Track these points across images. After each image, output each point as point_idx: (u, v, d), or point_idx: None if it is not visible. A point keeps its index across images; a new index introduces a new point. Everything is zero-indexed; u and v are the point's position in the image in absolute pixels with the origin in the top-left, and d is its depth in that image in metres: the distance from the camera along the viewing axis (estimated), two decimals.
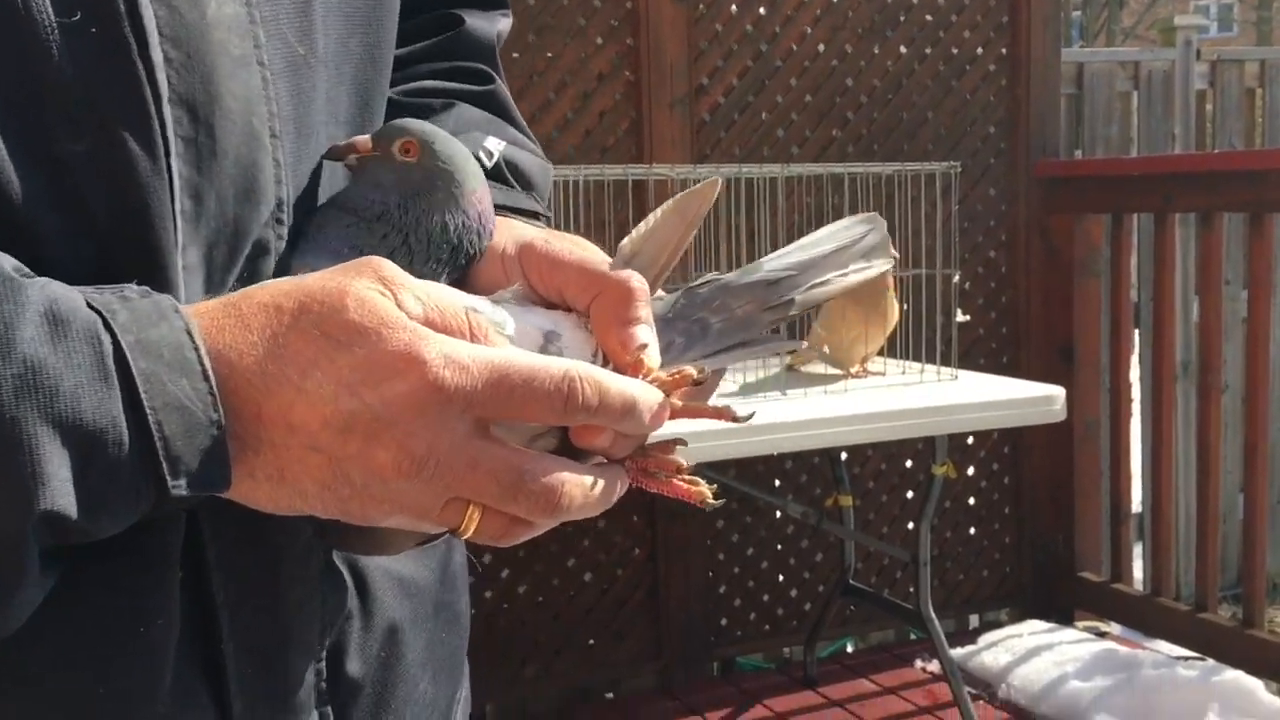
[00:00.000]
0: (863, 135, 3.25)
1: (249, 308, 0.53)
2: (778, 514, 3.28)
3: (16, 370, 0.46)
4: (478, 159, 0.74)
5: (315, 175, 0.67)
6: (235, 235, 0.60)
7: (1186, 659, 3.11)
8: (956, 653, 3.21)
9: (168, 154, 0.56)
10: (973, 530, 3.53)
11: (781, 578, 3.33)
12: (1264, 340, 3.07)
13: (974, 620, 3.63)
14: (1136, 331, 3.76)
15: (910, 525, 3.31)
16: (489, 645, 2.97)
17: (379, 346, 0.52)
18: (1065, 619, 3.46)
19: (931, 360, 2.69)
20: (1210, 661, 3.06)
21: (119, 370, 0.49)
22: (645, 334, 0.63)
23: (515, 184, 0.79)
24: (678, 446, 0.65)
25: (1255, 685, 2.92)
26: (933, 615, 2.75)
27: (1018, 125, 3.41)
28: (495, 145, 0.79)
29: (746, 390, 2.54)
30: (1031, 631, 3.34)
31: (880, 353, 2.76)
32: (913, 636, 3.39)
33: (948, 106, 3.35)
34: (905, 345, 2.81)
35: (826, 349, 2.70)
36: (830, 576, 3.29)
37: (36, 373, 0.46)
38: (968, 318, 3.40)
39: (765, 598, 3.31)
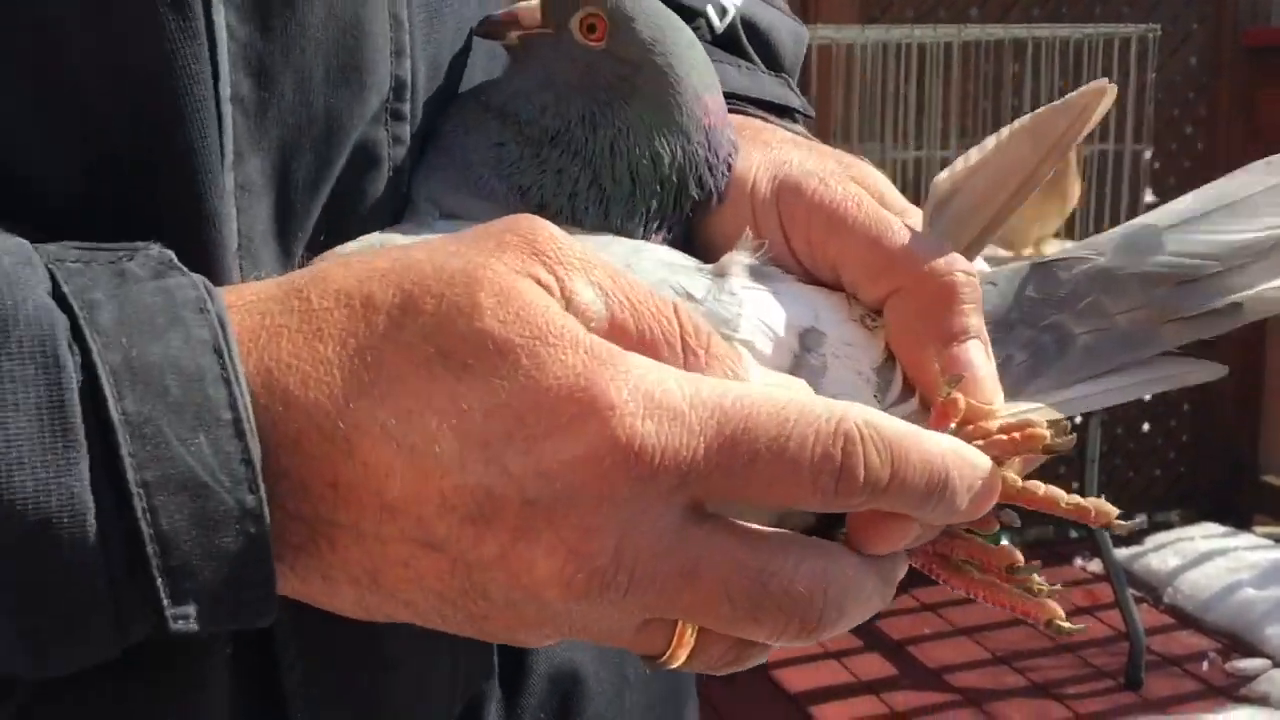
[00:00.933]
0: None
1: (322, 299, 0.34)
2: None
3: None
4: (702, 19, 0.52)
5: (458, 59, 0.47)
6: (327, 136, 0.41)
7: None
8: (1121, 553, 3.09)
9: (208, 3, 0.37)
10: (1147, 427, 3.40)
11: None
12: None
13: (1142, 519, 3.48)
14: None
15: (1078, 418, 3.18)
16: None
17: (535, 378, 0.33)
18: (1243, 524, 3.31)
19: None
20: None
21: (90, 416, 0.31)
22: (975, 356, 0.42)
23: (757, 59, 0.55)
24: (1006, 513, 0.41)
25: None
26: None
27: None
28: None
29: None
30: (1205, 535, 3.21)
31: (1056, 234, 2.60)
32: (1073, 534, 3.29)
33: None
34: (1085, 227, 2.64)
35: None
36: None
37: None
38: (1157, 200, 3.20)
39: None
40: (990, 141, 0.44)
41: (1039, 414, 0.42)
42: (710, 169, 0.45)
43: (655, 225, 0.45)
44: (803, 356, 0.42)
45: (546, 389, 0.33)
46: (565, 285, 0.35)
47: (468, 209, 0.43)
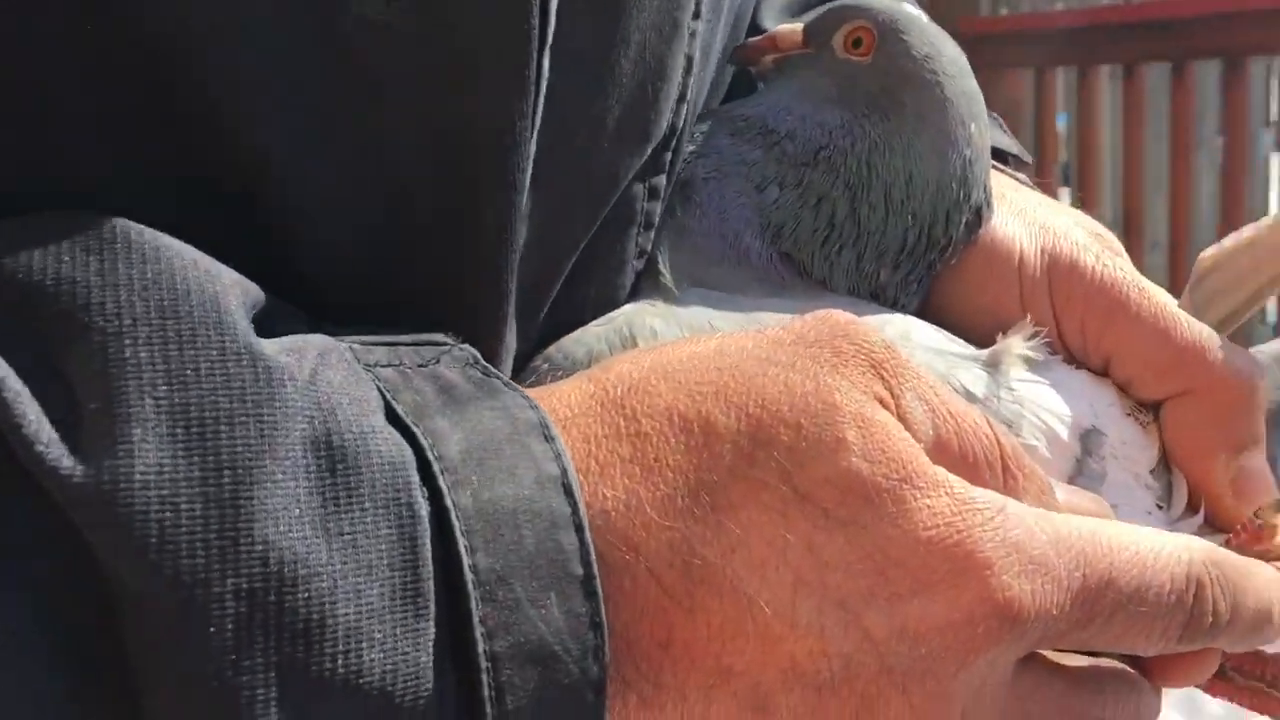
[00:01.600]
0: None
1: (651, 419, 0.29)
2: None
3: (250, 576, 0.23)
4: None
5: (710, 98, 0.43)
6: (603, 193, 0.37)
7: None
8: None
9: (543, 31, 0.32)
10: None
11: None
12: (1187, 193, 3.07)
13: None
14: (1065, 190, 3.74)
15: None
16: None
17: (901, 528, 0.29)
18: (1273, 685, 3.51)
19: None
20: None
21: (439, 574, 0.26)
22: (1261, 465, 0.40)
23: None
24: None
25: None
26: None
27: None
28: None
29: None
30: None
31: None
32: None
33: None
34: None
35: None
36: None
37: (283, 582, 0.24)
38: None
39: None
40: (1266, 221, 0.41)
41: None
42: (977, 205, 0.41)
43: (905, 276, 0.41)
44: (1084, 461, 0.38)
45: (916, 541, 0.29)
46: (900, 402, 0.31)
47: (718, 279, 0.40)
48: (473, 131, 0.32)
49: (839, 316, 0.32)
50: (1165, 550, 0.32)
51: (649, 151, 0.39)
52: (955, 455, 0.31)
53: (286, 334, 0.28)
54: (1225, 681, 0.39)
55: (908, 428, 0.30)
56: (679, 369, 0.30)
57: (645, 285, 0.40)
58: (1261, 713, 0.40)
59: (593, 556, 0.27)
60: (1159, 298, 0.41)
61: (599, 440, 0.29)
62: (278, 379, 0.25)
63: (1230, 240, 0.42)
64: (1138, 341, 0.40)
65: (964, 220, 0.41)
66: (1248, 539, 0.38)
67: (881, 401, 0.30)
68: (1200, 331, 0.40)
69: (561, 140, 0.34)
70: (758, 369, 0.30)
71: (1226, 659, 0.38)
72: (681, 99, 0.39)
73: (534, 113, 0.33)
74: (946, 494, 0.29)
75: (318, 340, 0.28)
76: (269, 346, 0.26)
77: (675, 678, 0.28)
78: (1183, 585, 0.32)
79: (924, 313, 0.42)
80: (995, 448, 0.32)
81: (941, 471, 0.30)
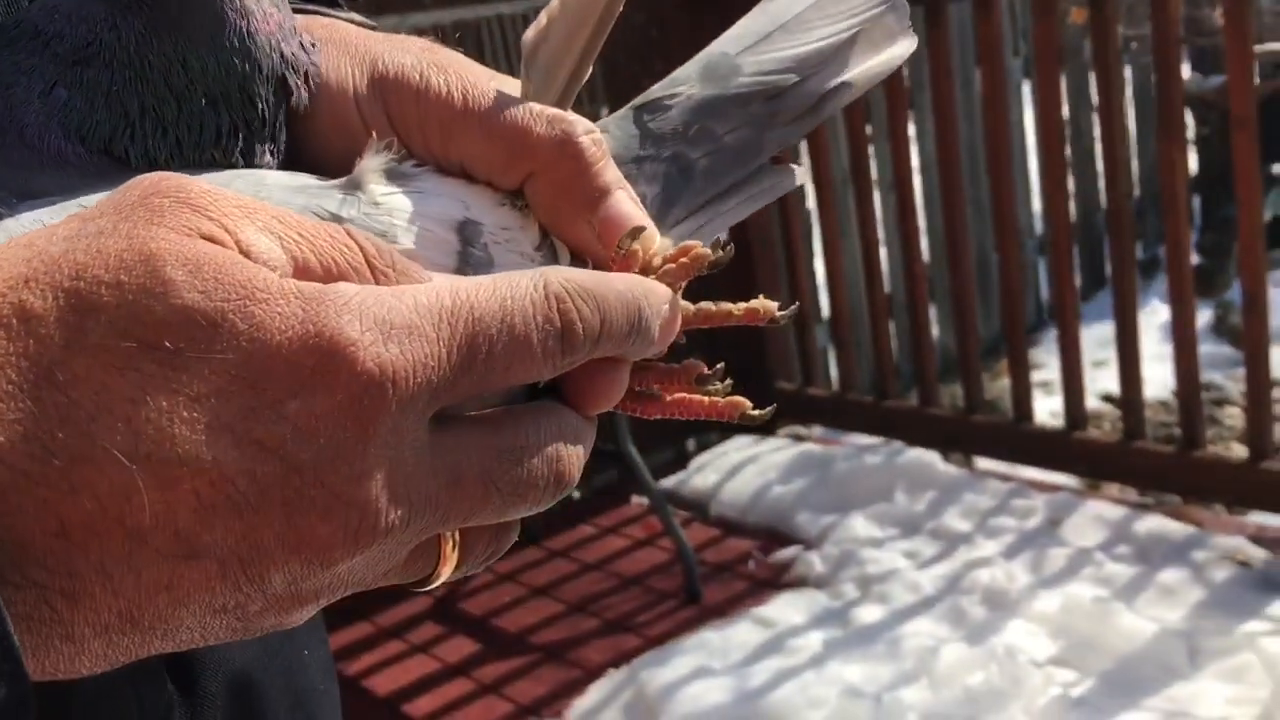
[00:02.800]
0: None
1: None
2: None
3: None
4: None
5: None
6: None
7: (873, 446, 3.30)
8: (670, 480, 3.33)
9: None
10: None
11: None
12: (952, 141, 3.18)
13: (691, 444, 3.75)
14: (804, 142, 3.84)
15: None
16: None
17: (259, 340, 0.30)
18: (768, 430, 3.61)
19: None
20: (896, 443, 3.25)
21: None
22: (624, 207, 0.43)
23: None
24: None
25: (933, 458, 3.13)
26: (632, 451, 2.81)
27: None
28: None
29: None
30: (737, 448, 3.48)
31: None
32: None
33: None
34: None
35: None
36: None
37: None
38: None
39: None
40: None
41: (696, 242, 0.43)
42: (290, 69, 0.42)
43: (241, 150, 0.41)
44: (467, 252, 0.40)
45: (276, 348, 0.30)
46: (237, 237, 0.31)
47: (45, 185, 0.38)
48: None
49: (152, 178, 0.32)
50: (522, 281, 0.35)
51: None
52: (319, 272, 0.33)
53: None
54: (654, 401, 0.44)
55: (252, 257, 0.31)
56: None
57: None
58: (689, 415, 0.44)
59: None
60: (478, 97, 0.43)
61: None
62: None
63: (544, 16, 0.44)
64: (471, 144, 0.42)
65: (268, 92, 0.42)
66: (618, 269, 0.42)
67: (214, 239, 0.31)
68: (520, 116, 0.42)
69: None
70: (65, 246, 0.30)
71: (647, 381, 0.43)
72: None
73: None
74: (297, 297, 0.31)
75: None
76: None
77: (88, 560, 0.28)
78: (545, 305, 0.35)
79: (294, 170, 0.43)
80: (358, 253, 0.34)
81: (289, 282, 0.31)
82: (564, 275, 0.36)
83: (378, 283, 0.34)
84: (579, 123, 0.43)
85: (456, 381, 0.33)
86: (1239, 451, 3.32)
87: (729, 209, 0.49)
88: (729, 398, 0.44)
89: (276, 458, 0.30)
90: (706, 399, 0.44)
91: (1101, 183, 3.13)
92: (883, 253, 3.52)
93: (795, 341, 3.61)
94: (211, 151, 0.41)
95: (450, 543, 0.36)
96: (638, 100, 0.49)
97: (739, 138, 0.48)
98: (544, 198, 0.43)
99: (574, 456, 0.37)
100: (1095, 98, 3.51)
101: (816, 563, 2.80)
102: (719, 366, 0.44)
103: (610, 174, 0.43)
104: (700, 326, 0.44)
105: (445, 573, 0.37)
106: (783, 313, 0.45)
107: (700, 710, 2.29)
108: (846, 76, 0.50)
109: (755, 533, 3.06)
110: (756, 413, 0.44)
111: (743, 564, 2.94)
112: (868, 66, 0.50)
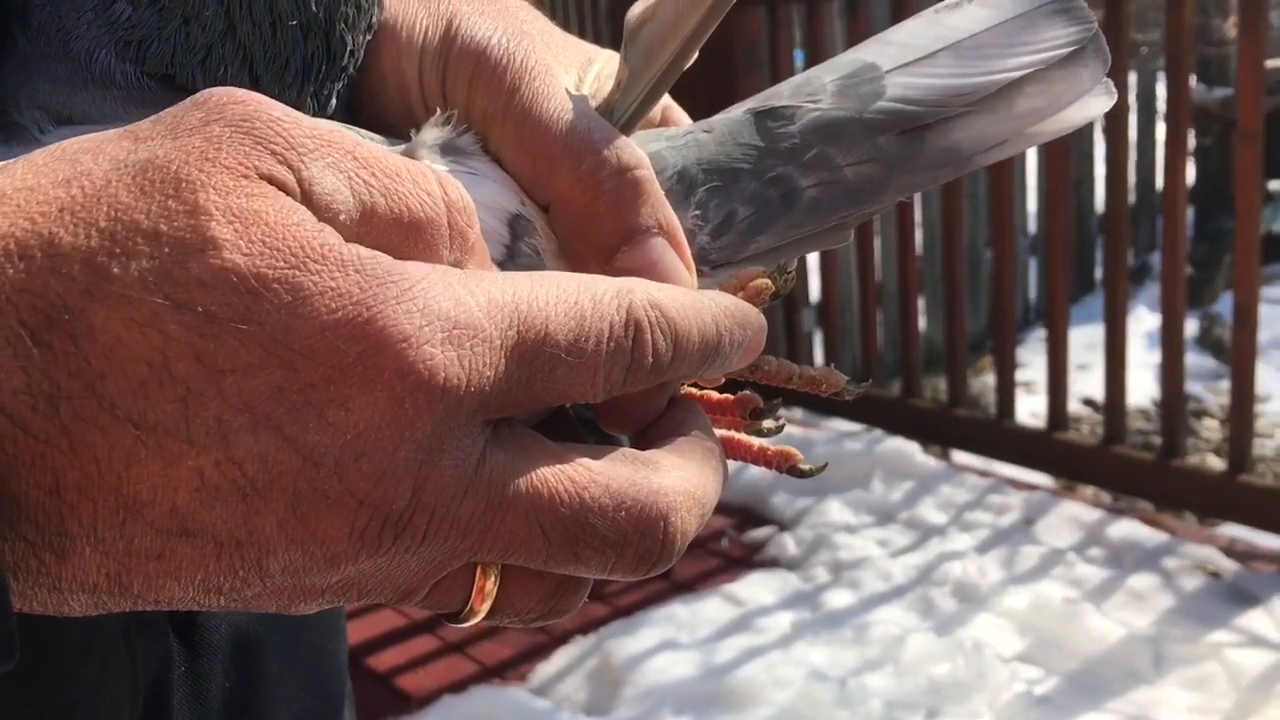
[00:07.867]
0: None
1: None
2: None
3: None
4: None
5: None
6: None
7: (854, 433, 3.30)
8: None
9: None
10: None
11: None
12: None
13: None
14: None
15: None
16: None
17: (302, 316, 0.27)
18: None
19: None
20: (876, 431, 3.25)
21: None
22: (649, 257, 0.38)
23: None
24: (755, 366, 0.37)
25: (913, 448, 3.14)
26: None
27: None
28: None
29: None
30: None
31: None
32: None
33: None
34: None
35: None
36: None
37: None
38: None
39: None
40: None
41: (758, 269, 0.39)
42: (359, 6, 0.38)
43: (314, 89, 0.37)
44: (515, 246, 0.37)
45: (320, 328, 0.27)
46: (301, 174, 0.28)
47: (86, 109, 0.35)
48: None
49: (219, 96, 0.29)
50: (605, 298, 0.31)
51: None
52: (387, 219, 0.29)
53: None
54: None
55: (315, 200, 0.28)
56: (20, 189, 0.27)
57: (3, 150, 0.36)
58: (735, 458, 0.40)
59: None
60: (528, 98, 0.38)
61: None
62: None
63: None
64: (505, 148, 0.39)
65: (365, 26, 0.38)
66: None
67: (274, 179, 0.28)
68: (550, 140, 0.38)
69: None
70: (111, 174, 0.27)
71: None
72: None
73: None
74: (356, 271, 0.27)
75: None
76: None
77: (80, 523, 0.27)
78: (621, 331, 0.31)
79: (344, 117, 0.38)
80: (439, 204, 0.30)
81: (351, 249, 0.28)
82: (651, 297, 0.32)
83: (453, 243, 0.31)
84: (613, 157, 0.38)
85: (510, 393, 0.30)
86: (1214, 463, 3.34)
87: (807, 241, 0.42)
88: (780, 448, 0.40)
89: (294, 449, 0.27)
90: (756, 444, 0.40)
91: (1098, 186, 3.12)
92: (876, 242, 3.52)
93: (783, 323, 3.61)
94: (293, 89, 0.37)
95: (491, 579, 0.32)
96: (757, 100, 0.43)
97: (861, 174, 0.41)
98: (559, 232, 0.39)
99: (679, 524, 0.32)
100: None
101: (790, 544, 2.80)
102: (776, 401, 0.40)
103: (643, 216, 0.38)
104: (752, 380, 0.38)
105: (478, 613, 0.32)
106: (850, 386, 0.40)
107: (665, 682, 2.29)
108: (1009, 128, 0.41)
109: (730, 511, 3.06)
110: (806, 467, 0.40)
111: (716, 541, 2.94)
112: (1041, 125, 0.41)
